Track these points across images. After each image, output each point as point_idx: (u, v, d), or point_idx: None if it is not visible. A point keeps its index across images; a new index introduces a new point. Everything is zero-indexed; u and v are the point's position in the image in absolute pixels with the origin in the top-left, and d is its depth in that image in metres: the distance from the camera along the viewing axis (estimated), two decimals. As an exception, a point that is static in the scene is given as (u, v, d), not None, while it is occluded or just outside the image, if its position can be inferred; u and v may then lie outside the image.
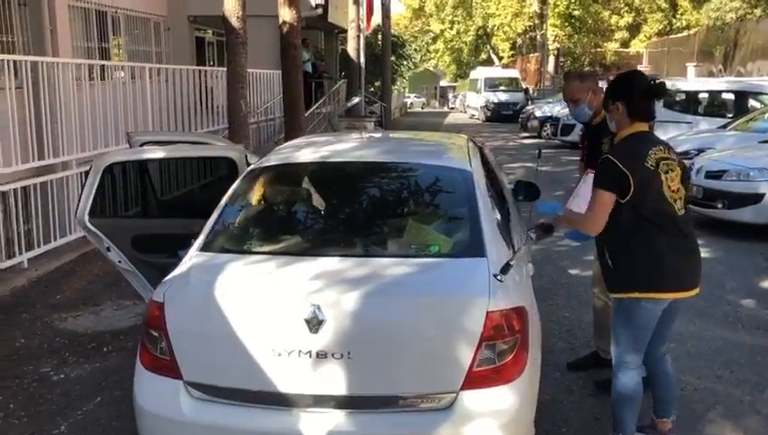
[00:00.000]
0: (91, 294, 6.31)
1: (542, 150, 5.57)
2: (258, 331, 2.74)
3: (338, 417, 2.69)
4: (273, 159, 3.85)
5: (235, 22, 8.52)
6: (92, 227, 4.27)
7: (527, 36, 40.71)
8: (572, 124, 20.06)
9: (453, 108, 48.87)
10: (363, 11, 17.82)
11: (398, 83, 34.87)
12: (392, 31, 27.64)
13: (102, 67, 10.85)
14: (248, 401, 2.75)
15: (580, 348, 5.00)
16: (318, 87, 19.04)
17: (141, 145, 5.03)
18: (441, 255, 3.09)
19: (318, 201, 3.68)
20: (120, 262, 4.35)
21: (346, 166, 3.81)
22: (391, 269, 2.95)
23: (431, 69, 61.62)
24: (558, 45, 38.28)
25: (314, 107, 15.50)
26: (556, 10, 37.02)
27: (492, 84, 32.60)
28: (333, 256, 3.06)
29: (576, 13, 37.26)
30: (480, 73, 34.92)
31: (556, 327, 5.44)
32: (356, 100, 16.75)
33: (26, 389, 4.42)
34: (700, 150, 10.22)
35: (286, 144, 4.33)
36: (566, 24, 37.43)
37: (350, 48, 17.11)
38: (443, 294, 2.78)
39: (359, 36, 16.91)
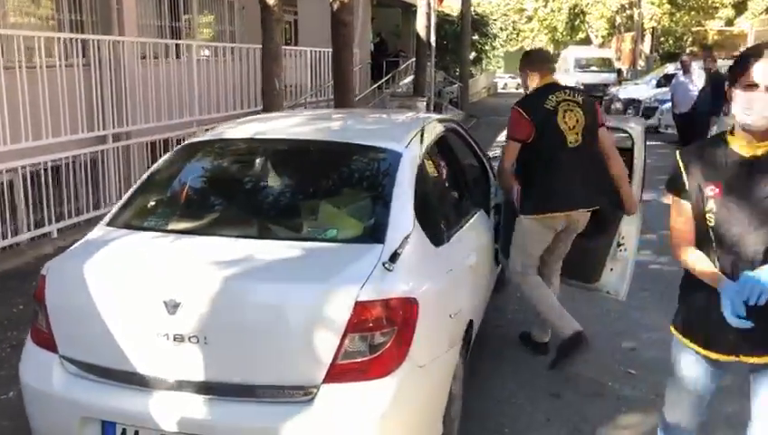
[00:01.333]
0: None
1: None
2: (123, 310, 2.69)
3: (197, 402, 2.60)
4: (207, 135, 3.80)
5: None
6: None
7: (625, 15, 38.79)
8: (654, 107, 19.11)
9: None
10: (435, -13, 17.48)
11: (486, 63, 34.14)
12: (477, 9, 27.10)
13: (177, 46, 11.08)
14: (115, 380, 2.71)
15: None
16: (392, 66, 18.91)
17: None
18: (337, 240, 2.94)
19: (234, 179, 3.58)
20: None
21: (272, 144, 3.70)
22: (274, 253, 2.82)
23: (528, 48, 59.98)
24: (654, 24, 36.27)
25: (374, 86, 15.37)
26: (653, -13, 35.04)
27: (581, 64, 31.30)
28: (225, 236, 2.98)
29: (675, -11, 35.16)
30: (570, 53, 33.64)
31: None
32: (407, 80, 16.57)
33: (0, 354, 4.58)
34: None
35: (237, 121, 4.26)
36: (664, 1, 35.34)
37: (420, 26, 16.77)
38: (310, 281, 2.63)
39: (428, 14, 16.60)
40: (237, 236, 2.96)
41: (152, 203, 3.38)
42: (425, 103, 13.95)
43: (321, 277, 2.64)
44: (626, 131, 4.51)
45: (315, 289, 2.59)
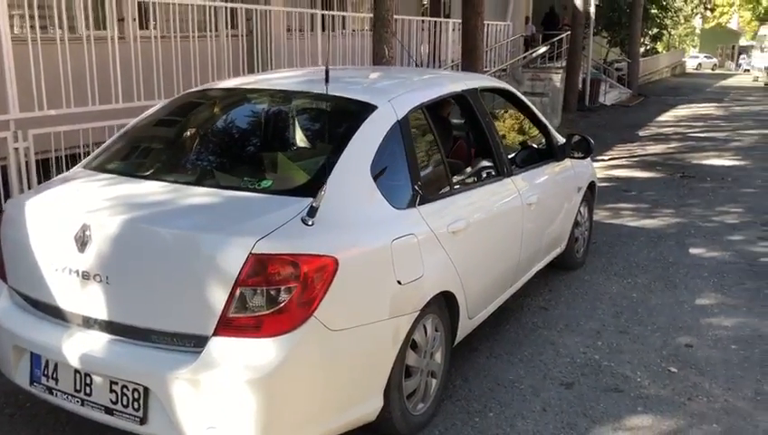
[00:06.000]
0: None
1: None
2: (47, 245, 2.75)
3: (99, 341, 2.62)
4: (203, 86, 3.82)
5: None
6: None
7: None
8: None
9: (747, 70, 43.21)
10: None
11: (677, 41, 31.53)
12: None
13: (323, 17, 11.31)
14: (43, 313, 2.79)
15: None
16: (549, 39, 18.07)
17: None
18: (269, 191, 2.80)
19: (197, 126, 3.54)
20: None
21: (246, 94, 3.70)
22: (199, 200, 2.75)
23: (730, 26, 54.82)
24: None
25: (514, 59, 14.74)
26: None
27: (781, 42, 28.21)
28: (166, 181, 2.94)
29: None
30: (769, 29, 30.40)
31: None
32: (541, 50, 15.82)
33: None
34: None
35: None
36: None
37: (577, -6, 15.86)
38: (208, 231, 2.53)
39: (587, -18, 15.64)
40: (176, 182, 2.93)
41: (122, 149, 3.42)
42: (560, 75, 13.16)
43: (222, 227, 2.55)
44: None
45: (211, 238, 2.50)
